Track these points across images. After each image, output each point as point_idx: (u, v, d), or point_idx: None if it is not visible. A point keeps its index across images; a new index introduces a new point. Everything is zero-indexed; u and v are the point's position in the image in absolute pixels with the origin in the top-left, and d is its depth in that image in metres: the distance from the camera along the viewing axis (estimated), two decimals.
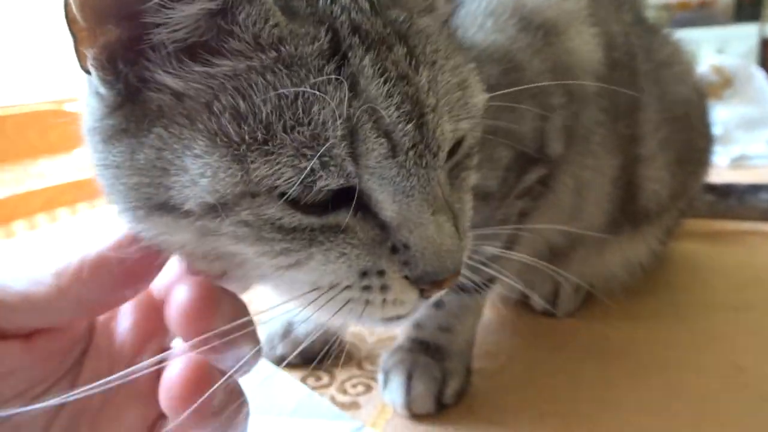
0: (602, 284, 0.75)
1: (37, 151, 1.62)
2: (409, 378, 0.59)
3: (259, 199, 0.33)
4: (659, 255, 0.79)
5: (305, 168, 0.32)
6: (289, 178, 0.32)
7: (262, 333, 0.69)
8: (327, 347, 0.64)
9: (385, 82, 0.34)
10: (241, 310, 0.36)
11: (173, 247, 0.35)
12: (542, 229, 0.61)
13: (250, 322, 0.36)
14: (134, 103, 0.33)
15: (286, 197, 0.32)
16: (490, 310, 0.75)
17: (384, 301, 0.37)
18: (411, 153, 0.34)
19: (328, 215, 0.35)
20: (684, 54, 0.78)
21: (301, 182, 0.32)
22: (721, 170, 1.24)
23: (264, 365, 0.65)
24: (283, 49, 0.33)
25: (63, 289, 0.33)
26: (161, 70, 0.33)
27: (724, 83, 1.51)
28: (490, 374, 0.63)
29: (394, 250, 0.36)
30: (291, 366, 0.65)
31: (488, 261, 0.55)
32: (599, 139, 0.64)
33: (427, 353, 0.61)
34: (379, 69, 0.34)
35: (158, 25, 0.32)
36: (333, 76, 0.33)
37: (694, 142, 0.75)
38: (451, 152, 0.39)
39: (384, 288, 0.37)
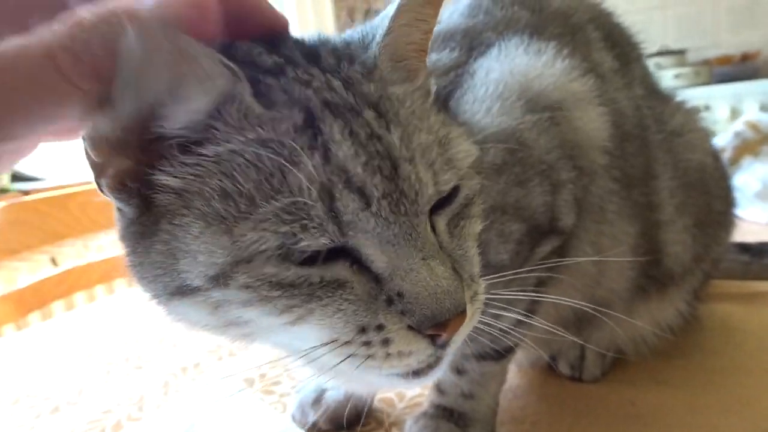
0: (631, 348, 0.75)
1: (98, 227, 1.73)
2: None
3: (254, 263, 0.36)
4: (687, 317, 0.78)
5: (286, 232, 0.35)
6: (274, 243, 0.36)
7: (294, 401, 0.73)
8: (356, 413, 0.67)
9: (353, 144, 0.37)
10: None
11: (196, 327, 0.40)
12: (564, 297, 0.62)
13: None
14: (149, 212, 0.39)
15: (277, 255, 0.36)
16: (517, 374, 0.76)
17: (388, 354, 0.38)
18: (384, 202, 0.37)
19: (324, 267, 0.37)
20: (696, 121, 0.80)
21: (285, 246, 0.36)
22: (758, 228, 1.22)
23: None
24: (261, 131, 0.37)
25: None
26: (159, 170, 0.38)
27: (761, 139, 1.50)
28: None
29: (390, 301, 0.37)
30: None
31: (509, 328, 0.57)
32: (614, 207, 0.65)
33: (450, 420, 0.62)
34: (347, 133, 0.37)
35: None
36: (306, 146, 0.36)
37: (712, 205, 0.76)
38: (448, 202, 0.42)
39: (385, 342, 0.38)
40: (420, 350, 0.39)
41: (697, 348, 0.79)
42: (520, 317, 0.60)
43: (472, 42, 0.62)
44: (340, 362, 0.39)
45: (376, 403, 0.72)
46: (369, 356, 0.38)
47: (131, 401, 0.81)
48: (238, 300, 0.37)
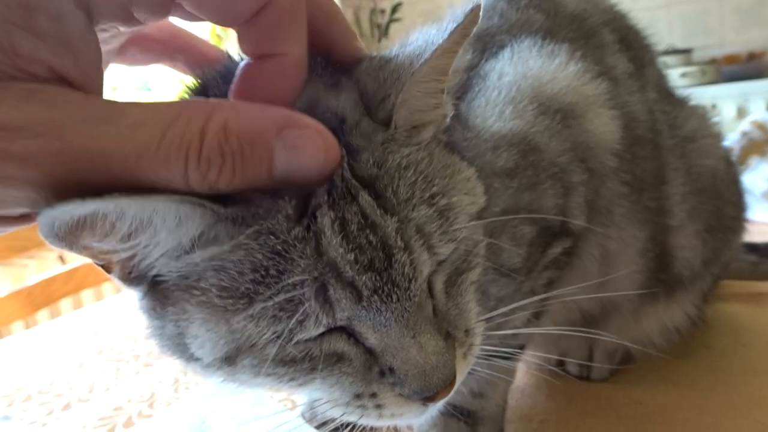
0: (639, 350, 0.75)
1: None
2: None
3: (255, 347, 0.38)
4: (695, 320, 0.78)
5: (283, 329, 0.36)
6: (272, 336, 0.37)
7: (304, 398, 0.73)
8: None
9: (344, 238, 0.36)
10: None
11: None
12: (569, 296, 0.63)
13: None
14: (155, 291, 0.40)
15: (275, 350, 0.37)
16: (525, 373, 0.77)
17: (381, 415, 0.41)
18: (375, 297, 0.37)
19: (322, 341, 0.38)
20: (710, 127, 0.79)
21: (283, 336, 0.36)
22: (766, 228, 1.22)
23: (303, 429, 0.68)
24: (254, 225, 0.35)
25: None
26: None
27: None
28: None
29: (383, 373, 0.39)
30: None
31: (517, 330, 0.57)
32: (623, 211, 0.65)
33: (459, 419, 0.63)
34: (338, 225, 0.36)
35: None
36: (299, 239, 0.35)
37: (724, 210, 0.76)
38: (445, 261, 0.41)
39: (379, 406, 0.40)
40: (410, 411, 0.41)
41: (705, 348, 0.79)
42: (528, 317, 0.60)
43: (486, 44, 0.62)
44: (340, 415, 0.42)
45: None
46: (364, 416, 0.41)
47: (142, 398, 0.82)
48: (248, 374, 0.40)
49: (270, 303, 0.36)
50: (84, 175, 0.29)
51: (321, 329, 0.37)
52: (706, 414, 0.65)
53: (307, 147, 0.34)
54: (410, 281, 0.38)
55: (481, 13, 0.39)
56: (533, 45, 0.62)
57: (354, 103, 0.40)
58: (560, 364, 0.77)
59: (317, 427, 0.69)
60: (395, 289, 0.37)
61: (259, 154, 0.32)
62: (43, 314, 1.97)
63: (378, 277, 0.37)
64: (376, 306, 0.37)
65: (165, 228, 0.34)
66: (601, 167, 0.61)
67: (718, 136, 0.80)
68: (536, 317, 0.62)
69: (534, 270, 0.58)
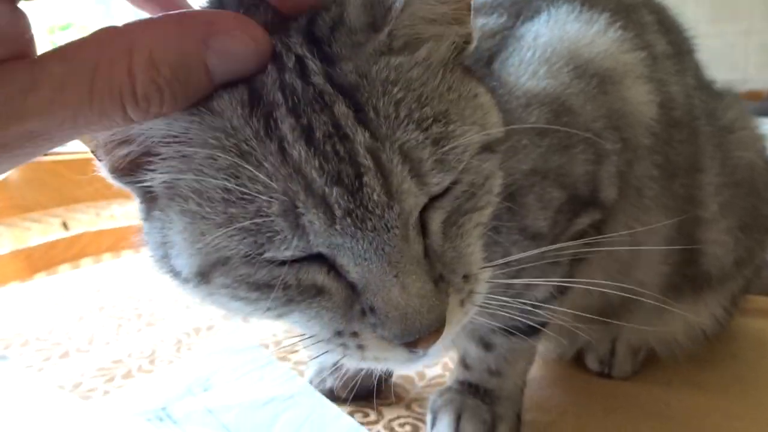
0: (663, 349, 0.72)
1: (112, 195, 1.72)
2: (458, 420, 0.58)
3: (228, 265, 0.36)
4: (724, 324, 0.75)
5: (250, 243, 0.34)
6: (241, 251, 0.35)
7: (313, 365, 0.70)
8: (375, 383, 0.65)
9: (308, 144, 0.33)
10: None
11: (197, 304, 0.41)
12: (594, 281, 0.60)
13: None
14: (150, 197, 0.39)
15: (248, 259, 0.35)
16: (541, 366, 0.73)
17: (363, 357, 0.38)
18: (349, 219, 0.34)
19: (297, 269, 0.36)
20: (750, 119, 0.77)
21: (252, 254, 0.35)
22: None
23: (313, 396, 0.65)
24: (222, 122, 0.34)
25: None
26: (148, 161, 0.37)
27: None
28: (541, 427, 0.62)
29: (364, 312, 0.36)
30: (338, 400, 0.65)
31: (540, 303, 0.55)
32: (652, 194, 0.63)
33: (476, 396, 0.60)
34: (301, 130, 0.33)
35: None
36: (259, 136, 0.34)
37: (760, 208, 0.73)
38: (443, 197, 0.38)
39: (360, 347, 0.38)
40: (395, 356, 0.38)
41: (732, 357, 0.76)
42: (552, 291, 0.57)
43: (521, 8, 0.60)
44: (321, 354, 0.40)
45: (396, 380, 0.70)
46: (347, 355, 0.39)
47: (143, 354, 0.79)
48: (223, 295, 0.38)
49: (239, 213, 0.34)
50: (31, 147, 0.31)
51: (294, 252, 0.35)
52: (735, 419, 0.62)
53: (238, 48, 0.33)
54: (385, 208, 0.34)
55: None
56: (571, 11, 0.60)
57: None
58: (578, 356, 0.74)
59: (324, 394, 0.66)
60: (368, 215, 0.34)
61: (195, 73, 0.32)
62: (41, 278, 1.94)
63: (349, 197, 0.33)
64: (350, 231, 0.34)
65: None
66: (635, 140, 0.58)
67: (756, 130, 0.77)
68: (561, 293, 0.59)
69: (559, 239, 0.55)
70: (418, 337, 0.36)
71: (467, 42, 0.41)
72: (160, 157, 0.37)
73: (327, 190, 0.33)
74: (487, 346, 0.60)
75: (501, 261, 0.44)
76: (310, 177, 0.33)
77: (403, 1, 0.35)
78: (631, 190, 0.60)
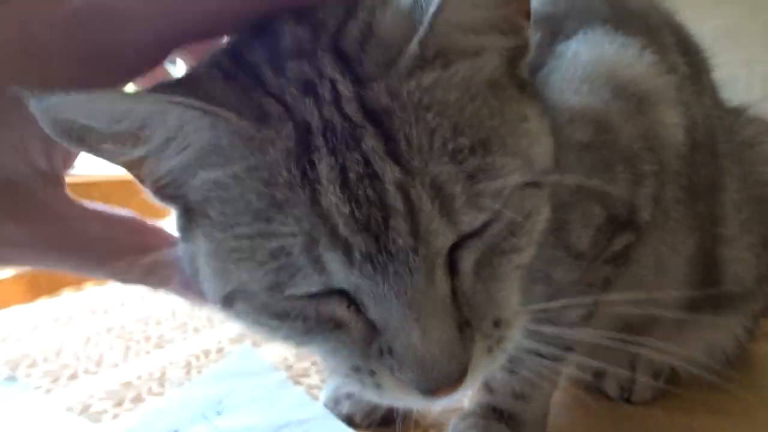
0: (683, 371, 0.71)
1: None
2: None
3: (248, 294, 0.36)
4: (744, 345, 0.74)
5: (273, 280, 0.33)
6: (262, 285, 0.34)
7: (327, 389, 0.69)
8: (391, 409, 0.63)
9: (342, 188, 0.32)
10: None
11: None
12: (621, 302, 0.59)
13: None
14: (186, 214, 0.39)
15: (269, 292, 0.35)
16: (562, 390, 0.72)
17: (381, 395, 0.37)
18: (369, 265, 0.32)
19: (318, 302, 0.35)
20: None
21: (273, 287, 0.34)
22: None
23: (329, 420, 0.64)
24: (253, 157, 0.33)
25: None
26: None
27: None
28: None
29: (382, 352, 0.34)
30: (355, 425, 0.64)
31: (568, 328, 0.53)
32: (678, 216, 0.62)
33: (500, 420, 0.58)
34: (337, 173, 0.32)
35: None
36: (297, 182, 0.32)
37: None
38: (477, 235, 0.35)
39: (378, 386, 0.36)
40: (413, 400, 0.36)
41: (756, 385, 0.74)
42: (582, 315, 0.57)
43: (555, 25, 0.61)
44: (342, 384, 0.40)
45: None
46: (364, 390, 0.37)
47: (152, 377, 0.78)
48: (244, 320, 0.38)
49: (260, 246, 0.33)
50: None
51: (315, 287, 0.34)
52: None
53: None
54: (409, 252, 0.32)
55: None
56: (606, 34, 0.60)
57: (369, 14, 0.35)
58: (597, 379, 0.73)
59: (341, 419, 0.65)
60: (391, 258, 0.32)
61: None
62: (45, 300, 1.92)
63: (373, 242, 0.32)
64: (369, 274, 0.32)
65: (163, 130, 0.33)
66: (668, 163, 0.58)
67: None
68: (586, 319, 0.58)
69: (597, 259, 0.54)
70: (436, 387, 0.34)
71: (522, 53, 0.38)
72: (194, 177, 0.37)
73: (351, 237, 0.32)
74: (511, 369, 0.59)
75: (538, 307, 0.42)
76: (335, 221, 0.32)
77: (437, 5, 0.31)
78: (659, 212, 0.60)
